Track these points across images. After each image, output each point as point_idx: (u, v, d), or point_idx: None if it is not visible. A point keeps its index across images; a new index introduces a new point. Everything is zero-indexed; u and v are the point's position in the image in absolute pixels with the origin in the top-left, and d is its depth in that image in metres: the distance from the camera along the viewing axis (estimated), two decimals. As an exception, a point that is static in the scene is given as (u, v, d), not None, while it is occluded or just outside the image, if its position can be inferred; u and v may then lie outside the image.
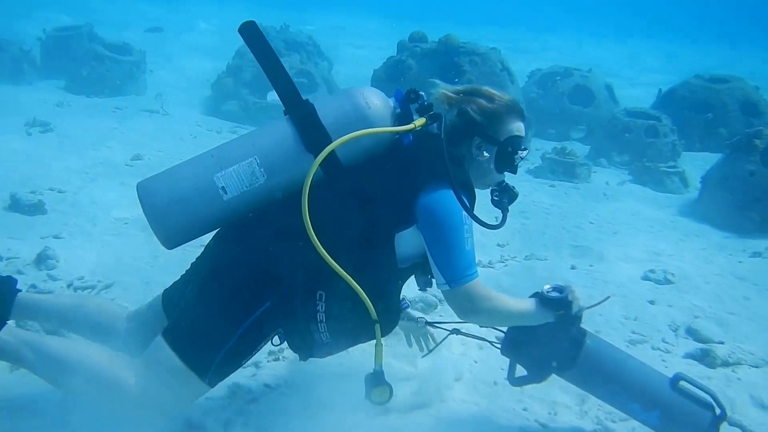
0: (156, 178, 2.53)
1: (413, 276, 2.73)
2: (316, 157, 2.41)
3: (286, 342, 2.64)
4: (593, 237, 5.99)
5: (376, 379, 2.60)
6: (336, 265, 2.40)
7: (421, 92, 2.60)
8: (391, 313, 2.61)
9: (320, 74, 10.48)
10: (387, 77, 9.32)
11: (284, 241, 2.49)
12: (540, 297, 2.72)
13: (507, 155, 2.66)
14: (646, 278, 5.06)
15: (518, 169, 2.74)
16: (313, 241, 2.38)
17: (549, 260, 5.32)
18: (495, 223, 2.66)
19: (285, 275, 2.49)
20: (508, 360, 3.02)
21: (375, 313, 2.48)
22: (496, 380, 3.44)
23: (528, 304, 2.70)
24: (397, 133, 2.54)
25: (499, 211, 2.76)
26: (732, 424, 3.25)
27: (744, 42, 27.16)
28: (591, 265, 5.26)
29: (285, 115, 2.56)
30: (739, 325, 4.39)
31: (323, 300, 2.48)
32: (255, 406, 3.05)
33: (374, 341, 2.57)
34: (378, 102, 2.53)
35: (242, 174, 2.44)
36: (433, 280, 2.62)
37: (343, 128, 2.45)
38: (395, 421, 3.00)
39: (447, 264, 2.47)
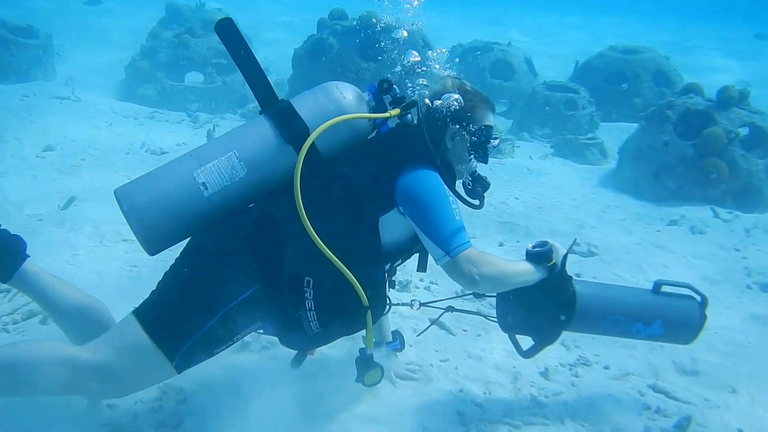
0: (134, 181, 2.49)
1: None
2: (295, 147, 2.48)
3: (277, 338, 2.67)
4: (519, 213, 6.10)
5: (367, 363, 2.69)
6: (328, 251, 2.41)
7: (394, 84, 2.70)
8: (380, 300, 2.65)
9: (239, 55, 10.21)
10: (308, 56, 9.18)
11: (270, 229, 2.49)
12: (529, 254, 2.80)
13: (480, 145, 2.76)
14: (570, 251, 5.18)
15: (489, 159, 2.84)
16: (307, 228, 2.39)
17: (477, 238, 5.39)
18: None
19: (271, 261, 2.47)
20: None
21: (366, 300, 2.50)
22: (432, 362, 3.48)
23: (523, 264, 2.75)
24: (374, 121, 2.68)
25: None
26: (657, 390, 3.39)
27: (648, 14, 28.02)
28: (518, 241, 5.36)
29: (261, 114, 2.61)
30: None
31: (311, 287, 2.47)
32: (185, 407, 2.98)
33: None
34: (352, 94, 2.64)
35: (222, 169, 2.46)
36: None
37: (321, 119, 2.52)
38: (330, 412, 2.99)
39: (440, 236, 2.49)
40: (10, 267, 2.62)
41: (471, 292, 2.97)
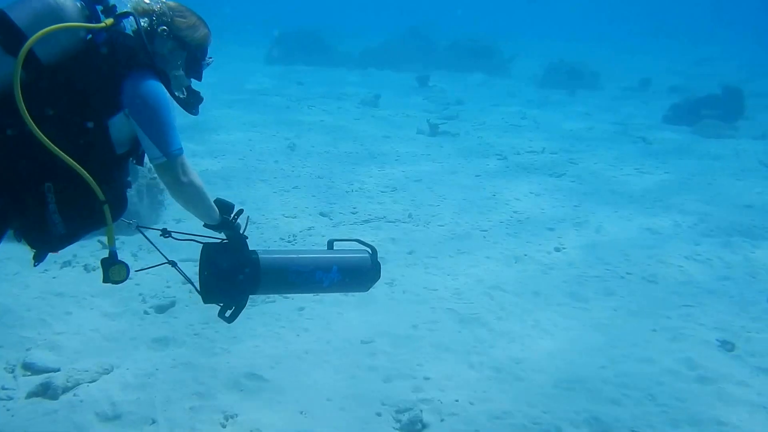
0: None
1: None
2: (15, 56, 2.53)
3: (26, 242, 2.79)
4: None
5: (112, 260, 2.83)
6: (59, 150, 2.53)
7: None
8: (119, 197, 2.88)
9: None
10: None
11: (2, 140, 2.60)
12: (217, 199, 3.16)
13: (195, 61, 3.09)
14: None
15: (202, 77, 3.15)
16: (34, 130, 2.49)
17: None
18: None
19: (9, 171, 2.62)
20: None
21: (102, 194, 2.68)
22: None
23: (211, 200, 3.10)
24: (90, 30, 2.77)
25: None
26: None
27: None
28: None
29: None
30: (71, 344, 4.85)
31: (51, 191, 2.67)
32: None
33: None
34: (66, 2, 2.72)
35: None
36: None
37: (38, 27, 2.58)
38: None
39: (161, 139, 2.77)
40: None
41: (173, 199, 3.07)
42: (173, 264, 3.27)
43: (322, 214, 8.19)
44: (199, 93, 3.24)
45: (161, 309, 5.55)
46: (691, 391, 4.66)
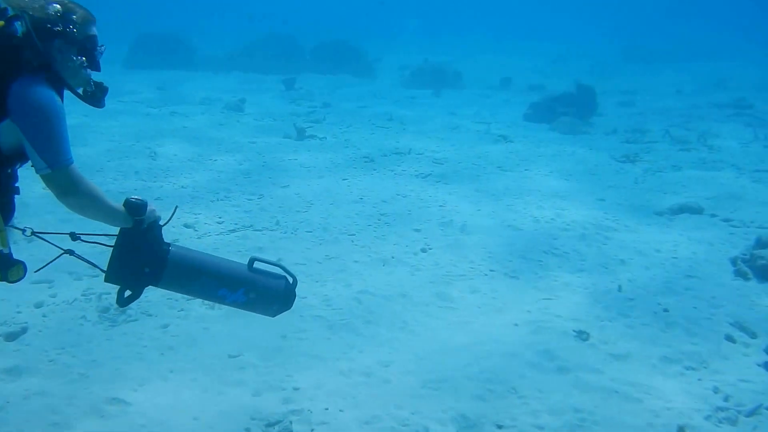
0: None
1: None
2: None
3: None
4: None
5: (8, 261, 2.83)
6: None
7: None
8: (5, 201, 2.84)
9: None
10: None
11: None
12: (126, 201, 3.05)
13: (87, 53, 3.00)
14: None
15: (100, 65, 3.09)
16: None
17: None
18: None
19: None
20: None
21: None
22: None
23: (116, 204, 2.99)
24: None
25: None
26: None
27: None
28: None
29: None
30: None
31: None
32: None
33: None
34: None
35: None
36: None
37: None
38: None
39: (48, 149, 2.69)
40: None
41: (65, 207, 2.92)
42: (71, 253, 3.24)
43: (186, 226, 8.01)
44: (102, 83, 3.22)
45: (11, 336, 5.26)
46: (551, 381, 4.94)
